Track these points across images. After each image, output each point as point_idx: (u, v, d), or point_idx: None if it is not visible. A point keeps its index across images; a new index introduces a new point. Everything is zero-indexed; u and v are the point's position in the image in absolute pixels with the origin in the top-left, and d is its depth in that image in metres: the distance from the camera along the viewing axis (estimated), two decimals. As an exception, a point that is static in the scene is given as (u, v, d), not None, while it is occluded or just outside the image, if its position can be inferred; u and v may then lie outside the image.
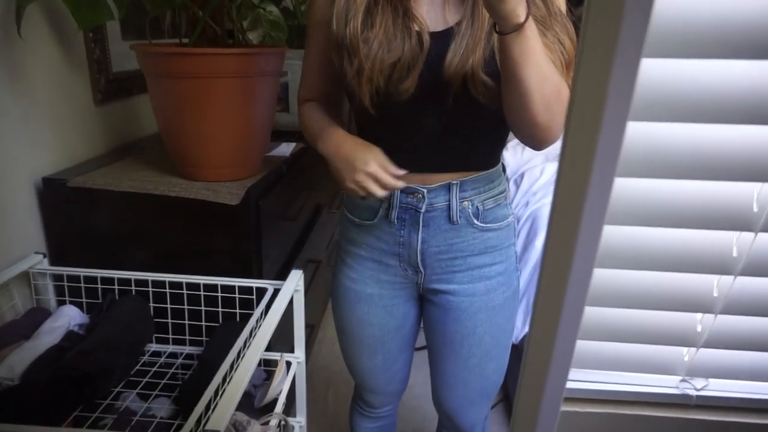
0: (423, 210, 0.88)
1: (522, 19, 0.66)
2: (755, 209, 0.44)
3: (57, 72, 1.15)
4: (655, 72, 0.42)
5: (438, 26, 0.81)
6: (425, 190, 0.87)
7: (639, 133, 0.44)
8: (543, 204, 1.69)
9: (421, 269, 0.93)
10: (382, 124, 0.86)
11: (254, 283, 1.05)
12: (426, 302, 1.00)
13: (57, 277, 1.11)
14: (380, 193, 0.80)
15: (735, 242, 0.45)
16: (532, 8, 0.70)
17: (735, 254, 0.45)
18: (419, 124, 0.85)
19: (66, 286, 1.10)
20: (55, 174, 1.12)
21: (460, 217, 0.89)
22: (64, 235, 1.11)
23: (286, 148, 1.37)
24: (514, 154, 2.09)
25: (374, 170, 0.79)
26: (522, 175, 1.90)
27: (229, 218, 1.06)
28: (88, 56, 1.25)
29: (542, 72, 0.71)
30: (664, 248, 0.47)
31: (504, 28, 0.67)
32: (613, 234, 0.47)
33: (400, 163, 0.86)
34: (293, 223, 1.39)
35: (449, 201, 0.88)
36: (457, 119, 0.84)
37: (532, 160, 1.99)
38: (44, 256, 1.08)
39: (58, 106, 1.16)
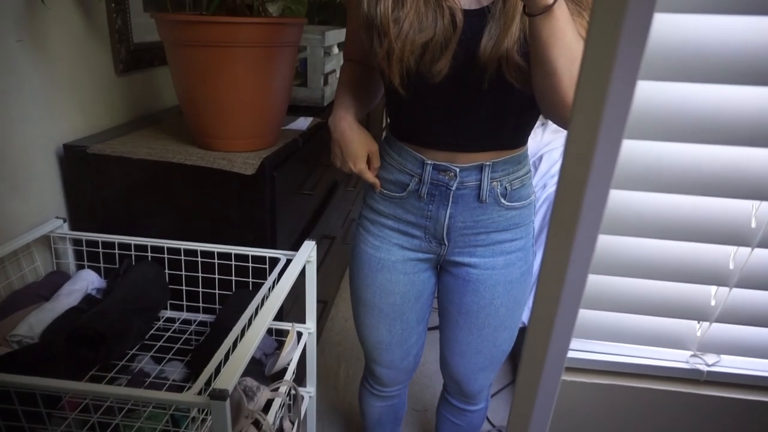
0: (453, 188, 0.90)
1: (550, 0, 0.66)
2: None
3: (79, 41, 1.16)
4: (658, 94, 0.41)
5: (472, 5, 0.79)
6: (457, 169, 0.88)
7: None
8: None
9: (445, 242, 0.95)
10: (414, 104, 0.87)
11: (267, 252, 1.06)
12: (445, 273, 1.02)
13: (76, 242, 1.13)
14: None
15: (754, 213, 0.44)
16: None
17: (753, 225, 0.44)
18: (452, 105, 0.85)
19: (85, 251, 1.13)
20: (76, 141, 1.14)
21: (488, 196, 0.90)
22: (84, 201, 1.13)
23: (303, 123, 1.37)
24: (534, 136, 2.06)
25: (357, 171, 0.94)
26: (541, 158, 1.88)
27: (244, 188, 1.07)
28: (109, 26, 1.26)
29: (572, 53, 0.69)
30: (681, 217, 0.46)
31: (532, 10, 0.67)
32: (626, 201, 0.46)
33: (431, 141, 0.89)
34: (309, 198, 1.40)
35: (480, 181, 0.89)
36: (492, 101, 0.84)
37: (552, 143, 1.97)
38: (64, 221, 1.11)
39: (79, 74, 1.17)
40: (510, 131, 0.89)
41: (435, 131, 0.88)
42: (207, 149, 1.12)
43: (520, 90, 0.80)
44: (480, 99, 0.84)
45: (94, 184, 1.11)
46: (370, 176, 0.95)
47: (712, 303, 0.60)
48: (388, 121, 0.98)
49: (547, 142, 2.01)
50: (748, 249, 0.51)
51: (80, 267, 1.15)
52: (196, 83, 1.04)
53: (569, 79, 0.71)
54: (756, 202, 0.52)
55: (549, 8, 0.66)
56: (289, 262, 1.00)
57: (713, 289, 0.64)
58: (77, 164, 1.11)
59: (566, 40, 0.69)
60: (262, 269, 1.10)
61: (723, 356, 0.72)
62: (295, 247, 1.21)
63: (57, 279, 1.07)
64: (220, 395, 0.65)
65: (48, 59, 1.08)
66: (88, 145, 1.10)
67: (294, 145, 1.23)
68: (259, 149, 1.13)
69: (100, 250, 1.11)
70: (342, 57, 1.08)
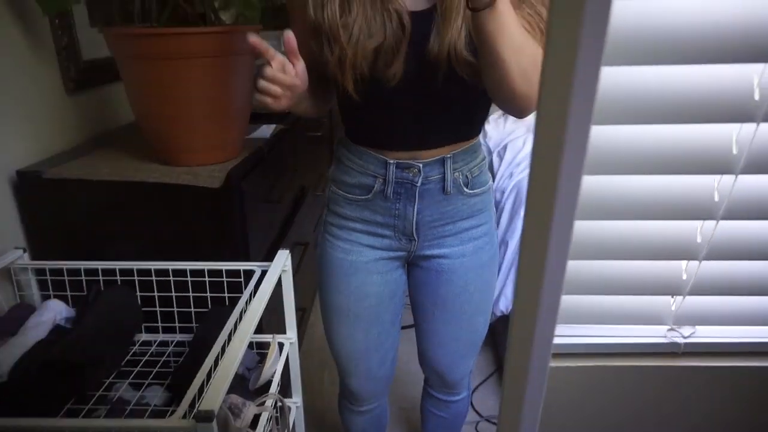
0: (419, 184, 0.90)
1: None
2: (734, 151, 0.44)
3: (24, 62, 1.11)
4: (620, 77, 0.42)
5: (419, 5, 0.80)
6: (420, 165, 0.89)
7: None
8: (527, 174, 1.70)
9: (415, 237, 0.96)
10: (371, 108, 0.87)
11: (241, 265, 1.04)
12: (415, 268, 1.03)
13: (39, 272, 1.09)
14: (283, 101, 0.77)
15: (716, 186, 0.45)
16: None
17: (716, 198, 0.45)
18: (410, 106, 0.85)
19: (49, 280, 1.08)
20: (30, 167, 1.10)
21: (452, 187, 0.92)
22: (44, 229, 1.09)
23: (266, 130, 1.35)
24: (496, 126, 2.08)
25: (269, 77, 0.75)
26: (505, 147, 1.90)
27: (212, 202, 1.04)
28: (55, 44, 1.21)
29: (518, 43, 0.70)
30: (646, 196, 0.47)
31: (477, 5, 0.68)
32: (596, 184, 0.47)
33: (392, 142, 0.89)
34: (278, 206, 1.38)
35: (443, 173, 0.91)
36: (446, 97, 0.85)
37: (515, 132, 1.99)
38: (24, 251, 1.06)
39: (28, 97, 1.12)
40: (467, 124, 0.92)
41: (395, 132, 0.88)
42: (169, 165, 1.09)
43: (473, 83, 0.81)
44: (436, 97, 0.85)
45: (54, 211, 1.07)
46: (280, 79, 0.76)
47: (684, 277, 0.62)
48: (344, 126, 0.97)
49: (510, 131, 2.04)
50: (714, 222, 0.53)
51: (46, 297, 1.10)
52: (153, 98, 1.01)
53: (517, 69, 0.72)
54: (717, 177, 0.54)
55: (493, 2, 0.67)
56: (264, 273, 0.98)
57: (684, 263, 0.66)
58: (33, 191, 1.06)
59: (511, 32, 0.70)
60: (237, 283, 1.08)
61: (698, 327, 0.75)
62: (269, 257, 1.19)
63: (21, 312, 1.02)
64: (206, 417, 0.64)
65: (-8, 84, 1.03)
66: (43, 170, 1.06)
67: (259, 154, 1.21)
68: (223, 161, 1.11)
69: (66, 278, 1.07)
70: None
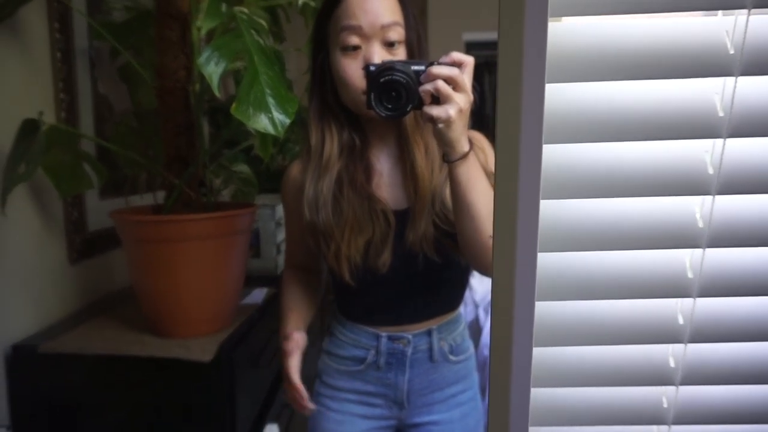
0: (409, 353, 0.97)
1: (466, 148, 0.76)
2: (690, 276, 0.46)
3: (34, 236, 1.17)
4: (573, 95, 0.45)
5: (400, 204, 0.92)
6: (410, 336, 0.97)
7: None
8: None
9: (406, 405, 1.00)
10: (364, 292, 0.95)
11: (228, 442, 1.03)
12: None
13: (20, 450, 1.06)
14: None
15: (679, 308, 0.48)
16: (475, 149, 0.80)
17: (681, 321, 0.47)
18: (398, 288, 0.95)
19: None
20: (26, 339, 1.12)
21: (439, 355, 0.99)
22: (33, 404, 1.08)
23: (258, 295, 1.40)
24: (482, 280, 2.15)
25: (289, 399, 0.99)
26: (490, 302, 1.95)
27: (202, 375, 1.06)
28: (65, 218, 1.28)
29: (487, 195, 0.78)
30: (609, 323, 0.49)
31: (451, 157, 0.76)
32: (548, 311, 0.50)
33: (383, 319, 0.97)
34: (268, 369, 1.38)
35: (431, 343, 0.98)
36: (429, 278, 0.94)
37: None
38: (8, 429, 1.05)
39: (32, 269, 1.17)
40: (449, 298, 1.01)
41: (387, 311, 0.97)
42: (163, 336, 1.11)
43: (451, 262, 0.92)
44: (421, 279, 0.94)
45: (45, 385, 1.08)
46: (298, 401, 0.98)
47: (665, 404, 0.55)
48: (336, 304, 1.04)
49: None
50: (682, 345, 0.49)
51: (23, 478, 1.06)
52: (153, 275, 1.07)
53: (488, 220, 0.78)
54: (679, 300, 0.51)
55: (466, 155, 0.76)
56: (250, 451, 0.97)
57: (662, 389, 0.60)
58: (26, 366, 1.07)
59: (483, 184, 0.78)
60: (222, 459, 1.06)
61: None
62: (257, 425, 1.18)
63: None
64: None
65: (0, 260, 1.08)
66: (38, 344, 1.08)
67: (250, 322, 1.25)
68: (216, 331, 1.14)
69: (47, 456, 1.05)
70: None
